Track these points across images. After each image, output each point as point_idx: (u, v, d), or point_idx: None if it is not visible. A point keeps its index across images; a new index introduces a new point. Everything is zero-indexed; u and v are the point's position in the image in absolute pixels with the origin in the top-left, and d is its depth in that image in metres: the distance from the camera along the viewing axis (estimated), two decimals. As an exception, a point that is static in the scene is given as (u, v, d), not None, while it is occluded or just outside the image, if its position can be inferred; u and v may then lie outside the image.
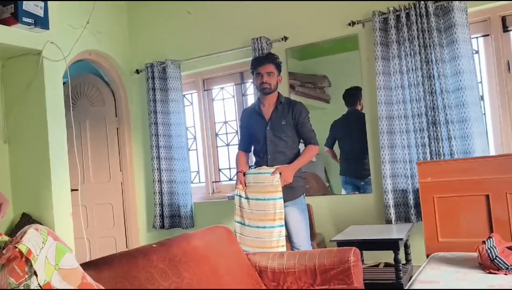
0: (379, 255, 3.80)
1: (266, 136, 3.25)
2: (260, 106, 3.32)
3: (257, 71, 3.25)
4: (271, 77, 3.23)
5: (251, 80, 3.66)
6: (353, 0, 4.06)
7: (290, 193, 3.18)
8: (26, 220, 3.69)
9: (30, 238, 1.36)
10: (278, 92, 3.32)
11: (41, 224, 2.14)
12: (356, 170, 4.29)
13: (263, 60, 3.26)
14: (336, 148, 4.31)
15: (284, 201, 3.16)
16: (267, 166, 3.22)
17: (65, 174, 3.86)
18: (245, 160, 3.46)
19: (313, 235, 3.94)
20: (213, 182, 5.02)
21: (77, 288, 1.38)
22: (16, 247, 1.32)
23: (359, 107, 4.21)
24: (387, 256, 3.61)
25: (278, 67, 3.29)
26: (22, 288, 1.31)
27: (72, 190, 3.99)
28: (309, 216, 4.03)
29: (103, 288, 1.48)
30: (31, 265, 1.32)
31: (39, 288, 1.31)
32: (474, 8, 3.67)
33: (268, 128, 3.24)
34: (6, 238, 1.42)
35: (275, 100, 3.28)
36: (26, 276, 1.32)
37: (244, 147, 3.48)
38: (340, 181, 4.32)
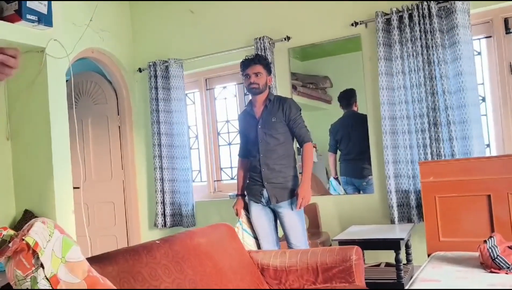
0: (380, 255, 3.81)
1: (257, 135, 3.25)
2: (252, 107, 3.33)
3: (245, 72, 3.26)
4: (259, 77, 3.23)
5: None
6: (356, 0, 4.08)
7: (284, 193, 3.17)
8: (28, 216, 3.71)
9: (37, 231, 1.36)
10: (269, 91, 3.33)
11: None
12: (357, 171, 4.30)
13: (250, 62, 3.27)
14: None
15: (278, 202, 3.16)
16: (259, 164, 3.21)
17: (67, 171, 3.88)
18: (244, 175, 3.45)
19: (318, 233, 3.96)
20: (214, 181, 5.03)
21: (83, 281, 1.39)
22: (23, 240, 1.33)
23: (355, 109, 4.23)
24: (388, 256, 3.63)
25: (267, 67, 3.30)
26: (28, 280, 1.32)
27: (73, 188, 4.01)
28: (316, 215, 4.06)
29: (108, 281, 1.49)
30: (38, 258, 1.33)
31: (46, 280, 1.32)
32: (477, 10, 3.68)
33: (259, 127, 3.23)
34: (12, 232, 1.43)
35: (265, 99, 3.29)
36: (33, 268, 1.32)
37: (242, 153, 3.47)
38: (341, 182, 4.32)
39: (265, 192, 3.19)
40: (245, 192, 3.38)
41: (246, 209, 3.35)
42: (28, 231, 1.37)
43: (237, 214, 3.35)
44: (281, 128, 3.20)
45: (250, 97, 3.40)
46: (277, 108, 3.22)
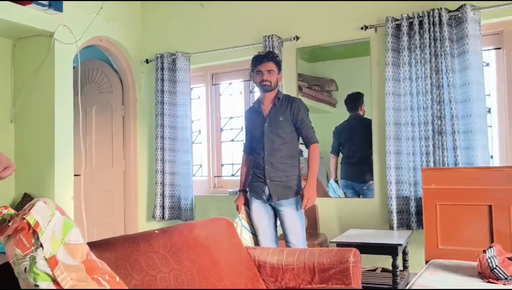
0: (377, 259, 3.80)
1: (263, 133, 3.24)
2: (259, 105, 3.32)
3: (257, 68, 3.25)
4: (271, 75, 3.23)
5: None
6: (368, 0, 4.07)
7: (286, 192, 3.16)
8: (27, 200, 3.71)
9: (39, 211, 1.36)
10: (278, 90, 3.33)
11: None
12: (358, 175, 4.29)
13: (263, 58, 3.27)
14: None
15: (279, 199, 3.16)
16: (263, 162, 3.20)
17: (69, 158, 3.88)
18: (247, 171, 3.44)
19: (316, 235, 3.96)
20: (215, 176, 5.03)
21: (81, 263, 1.39)
22: (24, 218, 1.33)
23: (361, 112, 4.22)
24: (385, 261, 3.62)
25: (278, 65, 3.29)
26: (27, 259, 1.31)
27: (74, 175, 4.00)
28: (315, 216, 4.05)
29: (106, 266, 1.49)
30: (38, 237, 1.32)
31: (44, 260, 1.32)
32: (488, 21, 3.67)
33: (266, 124, 3.23)
34: (12, 211, 1.42)
35: (274, 97, 3.28)
36: (33, 248, 1.32)
37: (247, 149, 3.46)
38: (341, 186, 4.32)
39: (266, 190, 3.19)
40: (247, 188, 3.38)
41: (247, 205, 3.35)
42: (29, 210, 1.36)
43: (238, 209, 3.35)
44: (288, 127, 3.20)
45: (255, 94, 3.40)
46: (285, 107, 3.22)
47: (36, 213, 1.35)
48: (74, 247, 1.40)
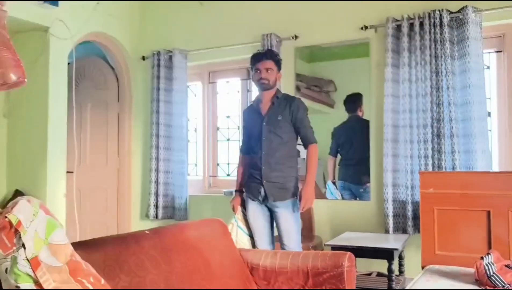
0: (372, 263, 3.76)
1: (262, 132, 3.19)
2: (258, 103, 3.27)
3: (256, 66, 3.21)
4: (269, 73, 3.18)
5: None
6: (368, 0, 4.02)
7: (282, 193, 3.11)
8: (18, 197, 3.65)
9: (21, 210, 1.31)
10: (277, 88, 3.28)
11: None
12: (355, 176, 4.24)
13: (262, 56, 3.22)
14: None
15: (275, 201, 3.11)
16: (260, 162, 3.14)
17: (62, 154, 3.83)
18: (244, 171, 3.37)
19: (311, 237, 3.91)
20: (210, 176, 4.97)
21: (65, 265, 1.33)
22: (6, 217, 1.28)
23: (359, 113, 4.18)
24: (380, 265, 3.57)
25: (278, 63, 3.24)
26: (9, 260, 1.26)
27: (67, 172, 3.94)
28: (310, 218, 4.01)
29: (91, 268, 1.44)
30: (20, 237, 1.28)
31: (26, 261, 1.26)
32: (489, 23, 3.63)
33: (264, 123, 3.18)
34: (-4, 209, 1.37)
35: (272, 96, 3.23)
36: (14, 248, 1.27)
37: (245, 149, 3.39)
38: (338, 187, 4.27)
39: (262, 190, 3.13)
40: (243, 189, 3.32)
41: (244, 206, 3.29)
42: (12, 209, 1.31)
43: (234, 210, 3.29)
44: (286, 127, 3.15)
45: (252, 93, 3.35)
46: (284, 106, 3.16)
47: (19, 212, 1.30)
48: (58, 247, 1.35)
